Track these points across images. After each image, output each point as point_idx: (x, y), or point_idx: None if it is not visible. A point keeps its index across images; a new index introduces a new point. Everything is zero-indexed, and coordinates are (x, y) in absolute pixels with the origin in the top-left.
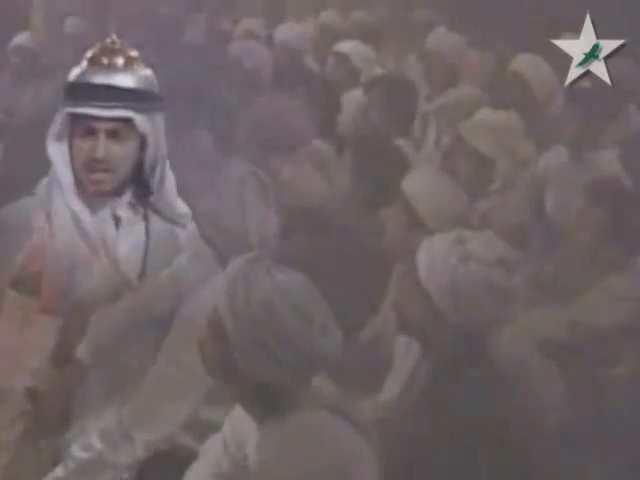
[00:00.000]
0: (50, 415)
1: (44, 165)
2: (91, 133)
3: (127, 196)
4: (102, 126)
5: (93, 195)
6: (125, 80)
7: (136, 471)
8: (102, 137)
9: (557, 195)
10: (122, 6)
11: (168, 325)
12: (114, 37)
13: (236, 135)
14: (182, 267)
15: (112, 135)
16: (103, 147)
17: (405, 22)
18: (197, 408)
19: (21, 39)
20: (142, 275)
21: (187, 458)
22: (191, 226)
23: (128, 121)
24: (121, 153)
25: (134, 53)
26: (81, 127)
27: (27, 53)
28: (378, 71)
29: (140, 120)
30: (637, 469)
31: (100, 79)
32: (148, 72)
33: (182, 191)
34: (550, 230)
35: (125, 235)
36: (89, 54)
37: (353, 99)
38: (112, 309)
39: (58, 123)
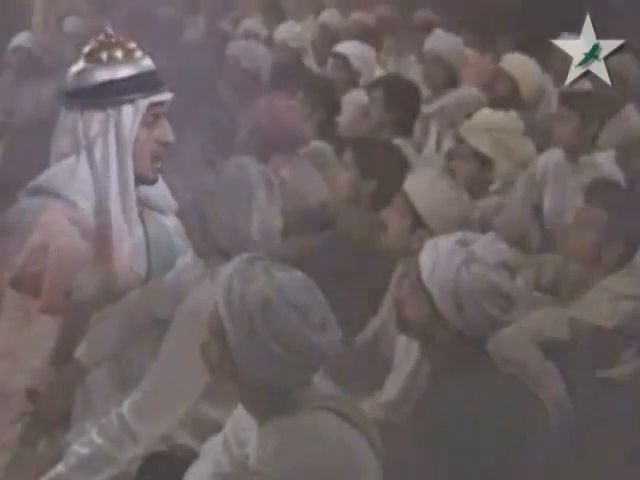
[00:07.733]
0: (50, 415)
1: (44, 165)
2: (156, 120)
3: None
4: (163, 110)
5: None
6: (149, 64)
7: (136, 471)
8: (165, 121)
9: (555, 195)
10: (122, 6)
11: (169, 325)
12: (109, 31)
13: (236, 135)
14: (186, 268)
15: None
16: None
17: (405, 23)
18: (196, 404)
19: (21, 39)
20: (149, 272)
21: (187, 458)
22: (176, 221)
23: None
24: None
25: (131, 45)
26: (146, 116)
27: (27, 53)
28: (378, 72)
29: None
30: (637, 469)
31: (138, 68)
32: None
33: (186, 190)
34: (549, 230)
35: (133, 232)
36: (87, 50)
37: (353, 99)
38: (112, 309)
39: (141, 116)
